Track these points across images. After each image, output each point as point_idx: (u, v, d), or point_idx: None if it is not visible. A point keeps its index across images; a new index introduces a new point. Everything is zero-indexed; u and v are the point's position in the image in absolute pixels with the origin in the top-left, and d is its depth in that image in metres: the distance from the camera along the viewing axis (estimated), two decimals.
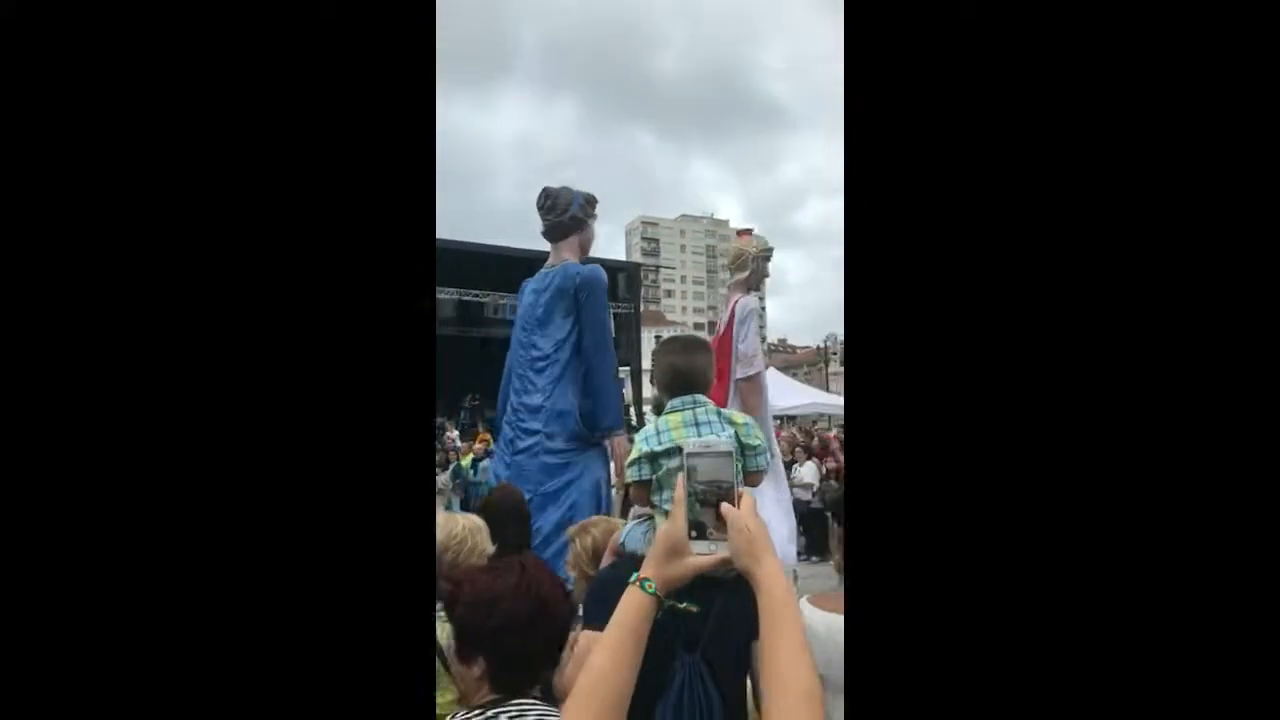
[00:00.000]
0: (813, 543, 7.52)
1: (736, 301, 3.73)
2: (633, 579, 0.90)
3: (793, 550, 3.70)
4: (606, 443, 3.40)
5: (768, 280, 4.22)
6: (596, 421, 3.34)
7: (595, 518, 2.13)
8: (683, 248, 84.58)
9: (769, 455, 2.11)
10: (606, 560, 1.84)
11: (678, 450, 1.63)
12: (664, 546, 0.90)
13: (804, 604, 1.66)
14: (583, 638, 1.58)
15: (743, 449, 2.51)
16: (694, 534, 0.91)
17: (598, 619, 1.62)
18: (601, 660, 0.85)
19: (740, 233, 4.07)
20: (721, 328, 3.82)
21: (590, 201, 3.62)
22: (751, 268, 3.80)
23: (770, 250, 3.89)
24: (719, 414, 1.72)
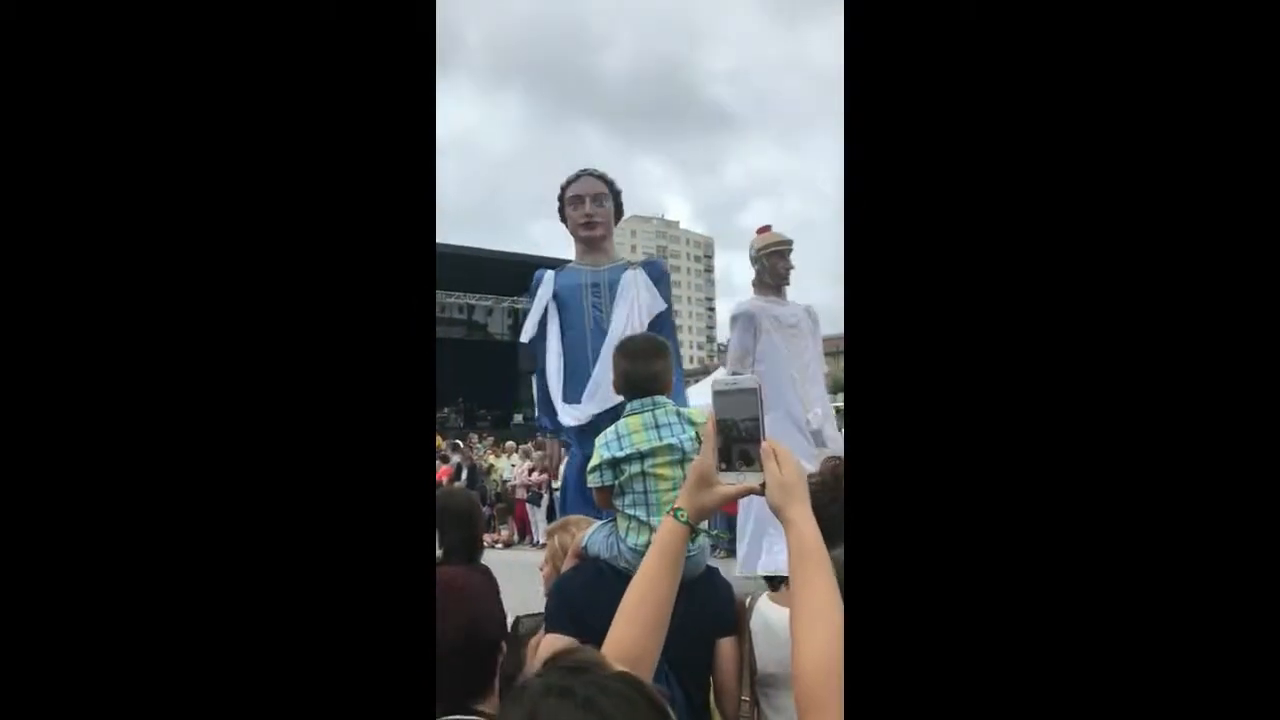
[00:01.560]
0: None
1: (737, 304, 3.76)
2: (668, 511, 0.98)
3: None
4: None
5: (770, 279, 3.75)
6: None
7: (576, 516, 2.09)
8: (633, 248, 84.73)
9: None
10: (569, 564, 1.82)
11: (639, 456, 1.64)
12: (695, 478, 0.96)
13: (764, 600, 1.68)
14: (545, 642, 1.57)
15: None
16: (723, 465, 0.95)
17: (560, 623, 1.61)
18: (642, 584, 0.95)
19: (760, 230, 3.88)
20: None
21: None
22: (757, 266, 3.72)
23: (783, 244, 3.71)
24: (679, 415, 1.72)
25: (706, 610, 1.62)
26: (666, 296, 3.25)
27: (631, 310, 3.14)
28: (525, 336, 3.34)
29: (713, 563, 1.82)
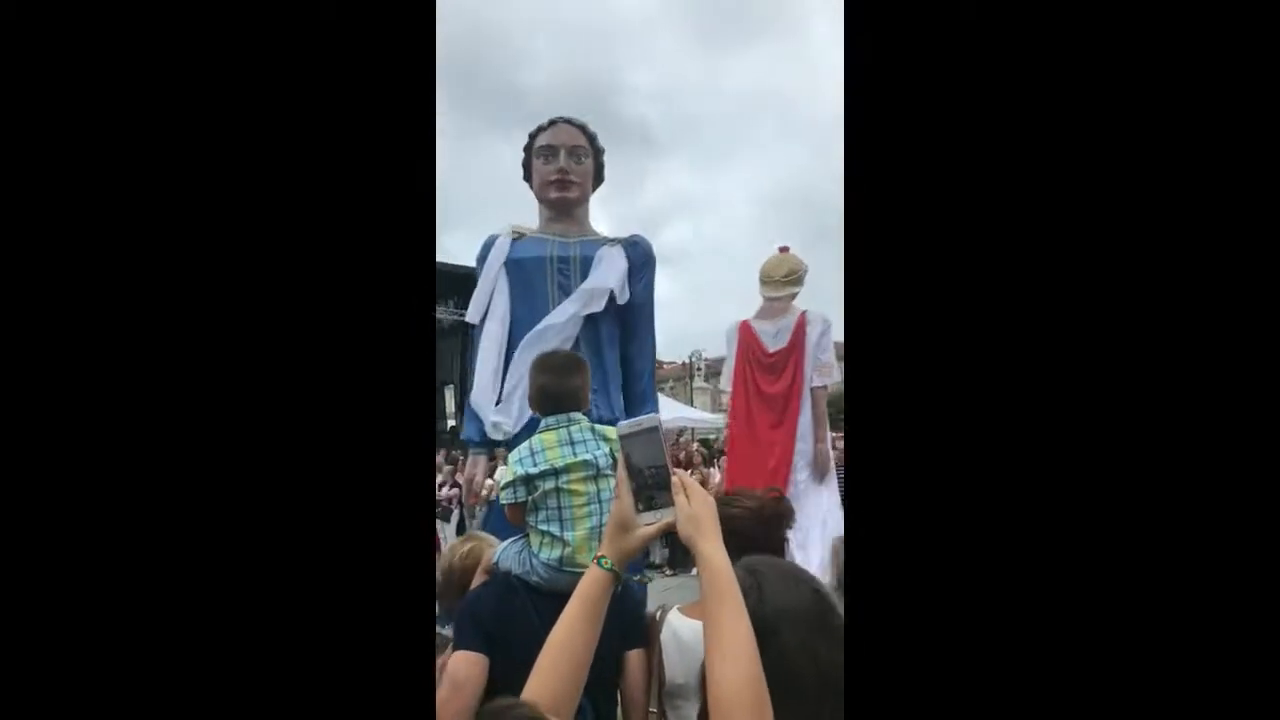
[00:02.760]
0: (674, 555, 7.69)
1: (805, 313, 3.79)
2: (592, 559, 0.98)
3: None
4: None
5: None
6: None
7: (479, 533, 2.06)
8: None
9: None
10: (479, 579, 1.80)
11: (553, 472, 1.62)
12: (614, 524, 0.97)
13: (674, 613, 1.70)
14: (452, 660, 1.54)
15: (615, 464, 2.52)
16: (640, 507, 0.97)
17: (469, 640, 1.58)
18: (561, 634, 0.93)
19: (781, 249, 4.01)
20: (778, 341, 3.83)
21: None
22: (799, 287, 3.87)
23: (762, 274, 3.91)
24: (593, 431, 1.73)
25: (616, 624, 1.64)
26: (649, 286, 2.64)
27: (589, 291, 2.46)
28: (473, 316, 2.59)
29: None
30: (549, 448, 1.66)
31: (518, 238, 2.63)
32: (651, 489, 0.97)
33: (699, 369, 29.63)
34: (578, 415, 1.71)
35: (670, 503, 0.95)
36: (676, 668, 1.60)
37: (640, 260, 2.59)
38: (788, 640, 0.86)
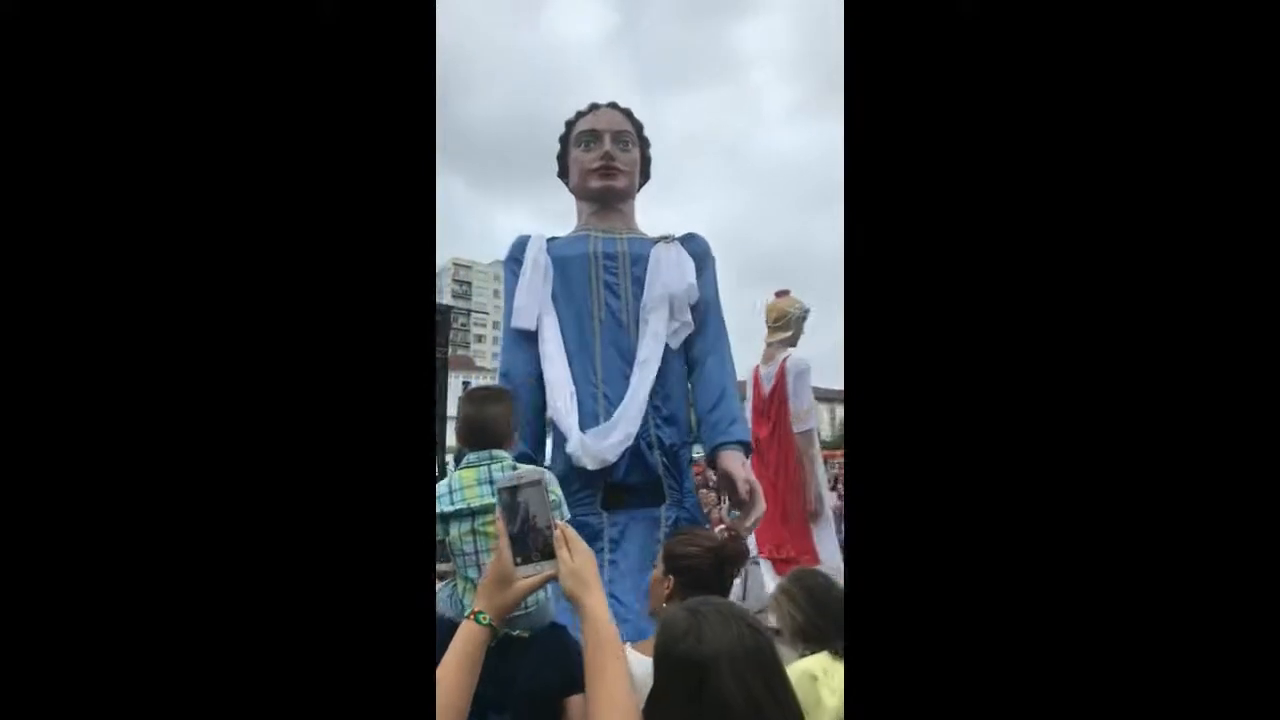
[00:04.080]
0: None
1: (786, 359, 3.77)
2: (467, 613, 0.96)
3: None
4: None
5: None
6: None
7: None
8: (496, 293, 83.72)
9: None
10: None
11: (469, 513, 1.55)
12: (492, 579, 0.96)
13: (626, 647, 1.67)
14: None
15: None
16: (519, 560, 0.96)
17: None
18: (439, 694, 0.90)
19: (779, 294, 4.05)
20: (769, 385, 3.80)
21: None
22: (794, 329, 3.88)
23: (808, 311, 3.93)
24: (516, 468, 1.69)
25: (552, 669, 1.58)
26: (712, 285, 2.26)
27: (668, 299, 2.08)
28: (526, 321, 2.12)
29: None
30: (467, 486, 1.59)
31: (553, 239, 2.28)
32: (534, 540, 0.97)
33: None
34: (500, 453, 1.65)
35: (551, 555, 0.96)
36: None
37: (701, 254, 2.23)
38: (724, 677, 0.87)
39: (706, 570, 1.50)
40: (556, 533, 0.96)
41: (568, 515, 2.34)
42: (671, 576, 1.52)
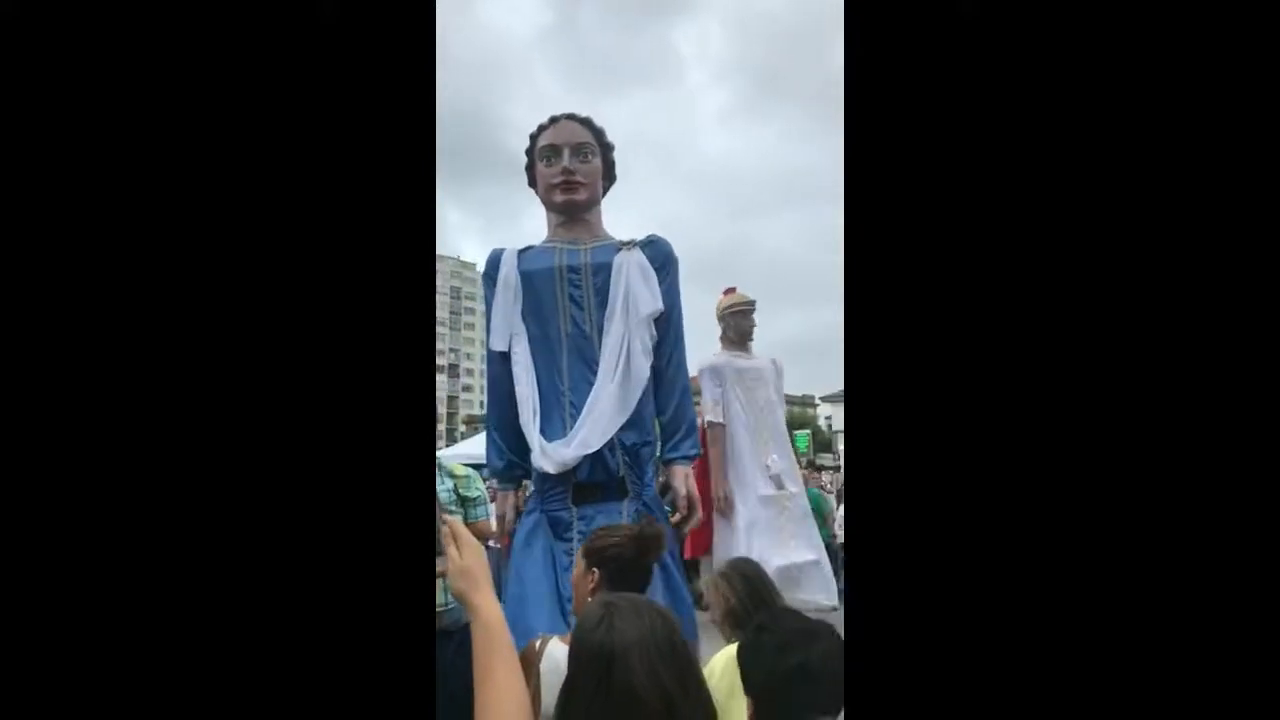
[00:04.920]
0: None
1: (714, 353, 3.81)
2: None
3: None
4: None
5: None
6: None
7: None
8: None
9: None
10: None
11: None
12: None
13: (554, 642, 1.69)
14: None
15: (461, 500, 2.38)
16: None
17: None
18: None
19: (726, 291, 3.99)
20: None
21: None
22: (722, 324, 3.84)
23: (745, 304, 3.84)
24: (440, 466, 1.70)
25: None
26: (673, 291, 2.35)
27: (626, 309, 2.20)
28: (499, 344, 2.30)
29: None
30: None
31: (525, 250, 2.39)
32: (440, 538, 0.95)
33: None
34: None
35: (441, 552, 0.94)
36: (555, 696, 1.58)
37: (661, 261, 2.32)
38: (634, 666, 0.89)
39: (629, 558, 1.55)
40: (444, 529, 0.93)
41: (484, 515, 2.38)
42: (596, 571, 1.55)
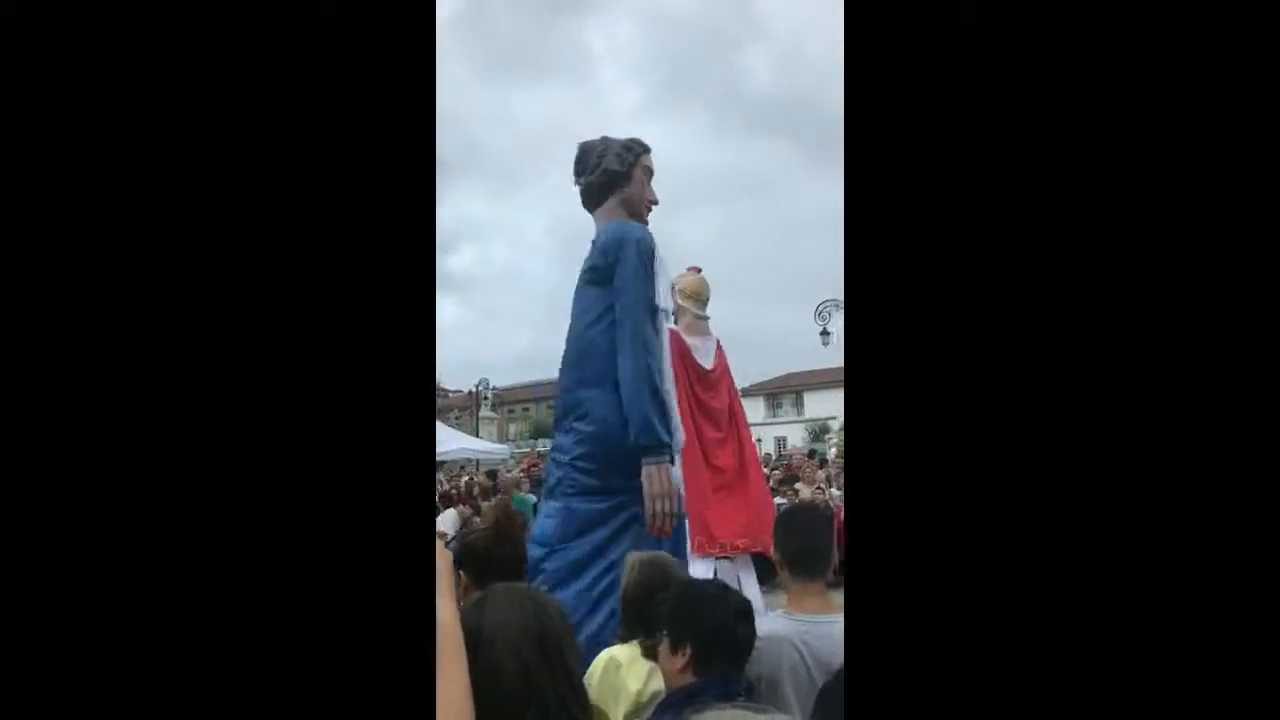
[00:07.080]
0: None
1: (718, 340, 3.81)
2: None
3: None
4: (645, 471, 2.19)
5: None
6: (623, 435, 2.20)
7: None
8: None
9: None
10: None
11: None
12: None
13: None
14: None
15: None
16: None
17: None
18: None
19: (692, 269, 3.98)
20: (712, 359, 3.79)
21: (630, 149, 2.53)
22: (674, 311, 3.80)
23: (696, 291, 3.81)
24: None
25: None
26: (625, 276, 2.44)
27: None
28: (666, 301, 2.43)
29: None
30: None
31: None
32: None
33: (485, 398, 27.99)
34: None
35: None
36: None
37: (608, 244, 2.43)
38: (500, 649, 0.94)
39: (491, 548, 1.67)
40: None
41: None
42: (462, 574, 1.60)
